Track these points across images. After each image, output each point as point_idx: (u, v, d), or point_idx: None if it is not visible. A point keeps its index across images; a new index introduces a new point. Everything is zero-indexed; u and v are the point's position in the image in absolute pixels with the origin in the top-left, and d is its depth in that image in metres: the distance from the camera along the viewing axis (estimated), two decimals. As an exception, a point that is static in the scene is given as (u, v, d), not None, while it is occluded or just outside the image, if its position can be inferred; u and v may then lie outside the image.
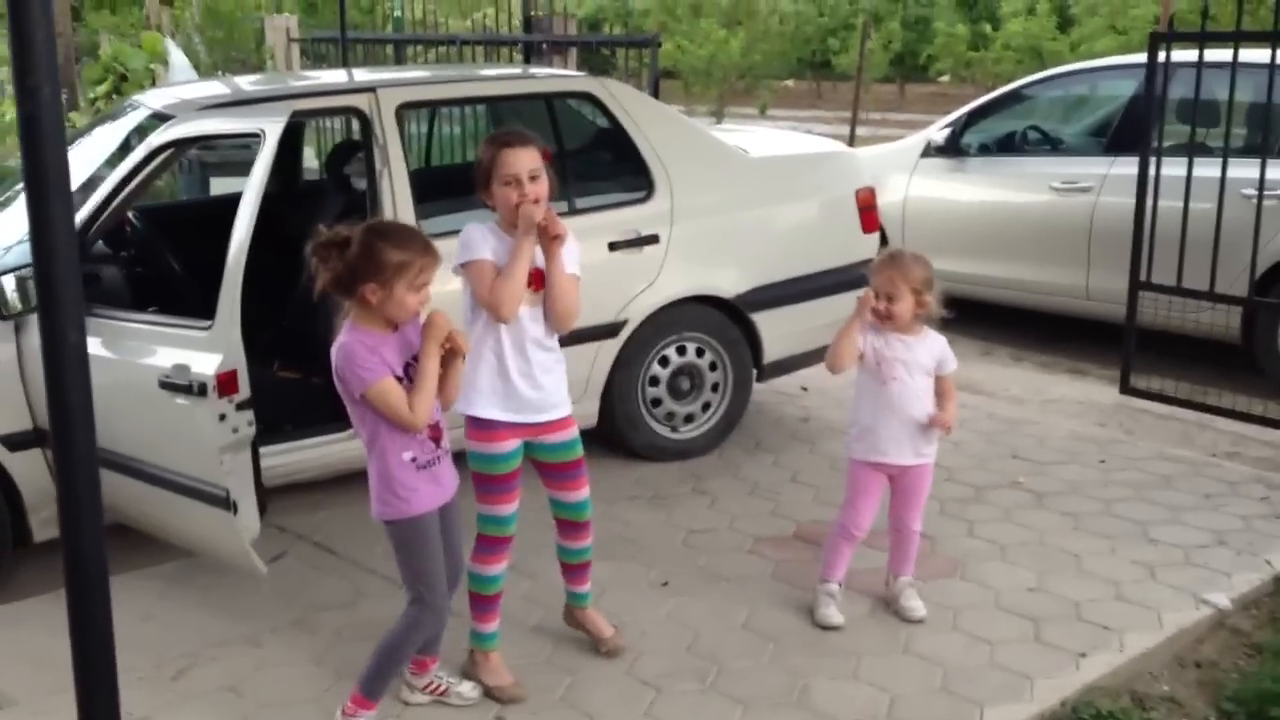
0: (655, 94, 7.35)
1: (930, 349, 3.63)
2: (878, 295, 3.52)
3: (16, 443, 3.86)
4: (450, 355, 2.98)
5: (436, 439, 3.04)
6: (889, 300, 3.51)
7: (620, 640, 3.57)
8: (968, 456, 5.16)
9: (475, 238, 3.22)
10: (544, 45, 8.63)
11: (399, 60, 9.95)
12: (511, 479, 3.33)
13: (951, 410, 3.65)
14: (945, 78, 28.44)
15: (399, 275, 2.86)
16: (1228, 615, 3.85)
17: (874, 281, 3.55)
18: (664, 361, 5.04)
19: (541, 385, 3.28)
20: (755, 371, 5.26)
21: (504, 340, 3.23)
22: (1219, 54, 5.75)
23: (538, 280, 3.24)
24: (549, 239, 3.19)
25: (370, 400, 2.89)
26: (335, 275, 2.87)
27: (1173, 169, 5.78)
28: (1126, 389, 6.11)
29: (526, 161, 3.20)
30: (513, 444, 3.30)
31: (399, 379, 2.92)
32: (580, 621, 3.61)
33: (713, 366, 5.15)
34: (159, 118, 4.35)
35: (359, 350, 2.88)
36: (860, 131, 16.63)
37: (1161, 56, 5.82)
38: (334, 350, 2.92)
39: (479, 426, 3.28)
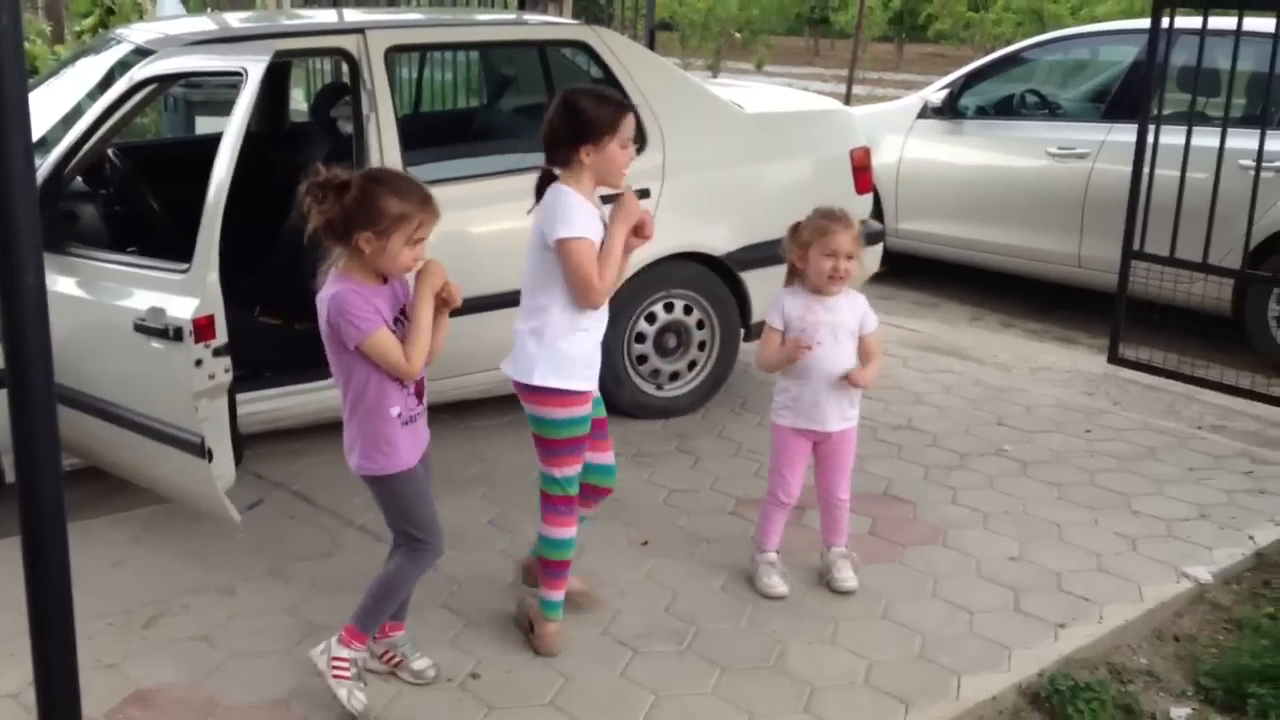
0: (651, 45, 7.26)
1: (854, 309, 3.56)
2: (837, 255, 3.44)
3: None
4: (441, 306, 2.92)
5: (420, 394, 3.00)
6: (848, 259, 3.46)
7: (596, 598, 3.53)
8: (953, 422, 5.14)
9: (579, 213, 3.09)
10: (539, -9, 8.52)
11: (391, 2, 9.79)
12: (587, 438, 3.30)
13: (873, 369, 3.58)
14: (894, 40, 28.13)
15: (396, 227, 2.78)
16: (1208, 589, 3.84)
17: (830, 243, 3.44)
18: (651, 318, 4.98)
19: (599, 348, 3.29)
20: (743, 331, 5.21)
21: (589, 312, 3.18)
22: (1223, 21, 5.67)
23: None
24: (641, 238, 3.21)
25: (365, 351, 2.83)
26: (329, 220, 2.79)
27: (1171, 137, 5.73)
28: (1115, 358, 6.09)
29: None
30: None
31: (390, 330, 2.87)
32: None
33: (700, 325, 5.10)
34: (141, 53, 4.24)
35: (354, 300, 2.80)
36: (857, 90, 16.49)
37: (1165, 22, 5.75)
38: (325, 300, 2.84)
39: (568, 393, 3.19)
